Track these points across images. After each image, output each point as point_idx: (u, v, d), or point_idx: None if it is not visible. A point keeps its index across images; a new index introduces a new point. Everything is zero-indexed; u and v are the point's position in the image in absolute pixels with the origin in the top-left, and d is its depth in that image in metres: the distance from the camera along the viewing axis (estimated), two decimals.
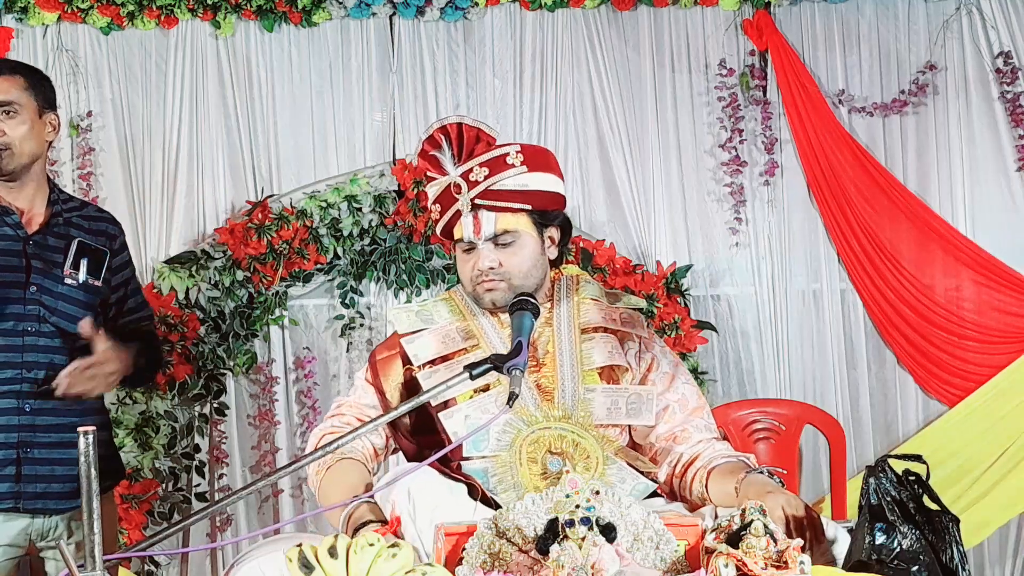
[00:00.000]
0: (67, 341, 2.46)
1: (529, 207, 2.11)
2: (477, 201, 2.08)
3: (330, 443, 1.75)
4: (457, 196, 2.09)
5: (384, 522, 1.84)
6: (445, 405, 2.06)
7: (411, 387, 2.14)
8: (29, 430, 2.40)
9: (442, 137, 2.12)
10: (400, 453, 2.24)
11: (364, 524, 1.84)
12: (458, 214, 2.10)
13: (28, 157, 2.45)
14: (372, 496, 1.91)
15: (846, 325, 4.11)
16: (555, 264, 2.22)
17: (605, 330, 2.15)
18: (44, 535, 2.44)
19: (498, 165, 2.09)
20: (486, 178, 2.08)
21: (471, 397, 2.05)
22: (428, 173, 2.16)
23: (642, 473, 2.03)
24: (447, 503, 1.80)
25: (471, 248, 2.11)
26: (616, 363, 2.11)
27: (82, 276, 2.47)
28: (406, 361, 2.16)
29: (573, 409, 2.02)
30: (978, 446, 3.92)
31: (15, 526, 2.41)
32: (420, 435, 2.15)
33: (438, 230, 2.17)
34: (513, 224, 2.10)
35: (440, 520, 1.71)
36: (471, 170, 2.09)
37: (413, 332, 2.16)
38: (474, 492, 1.89)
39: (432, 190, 2.15)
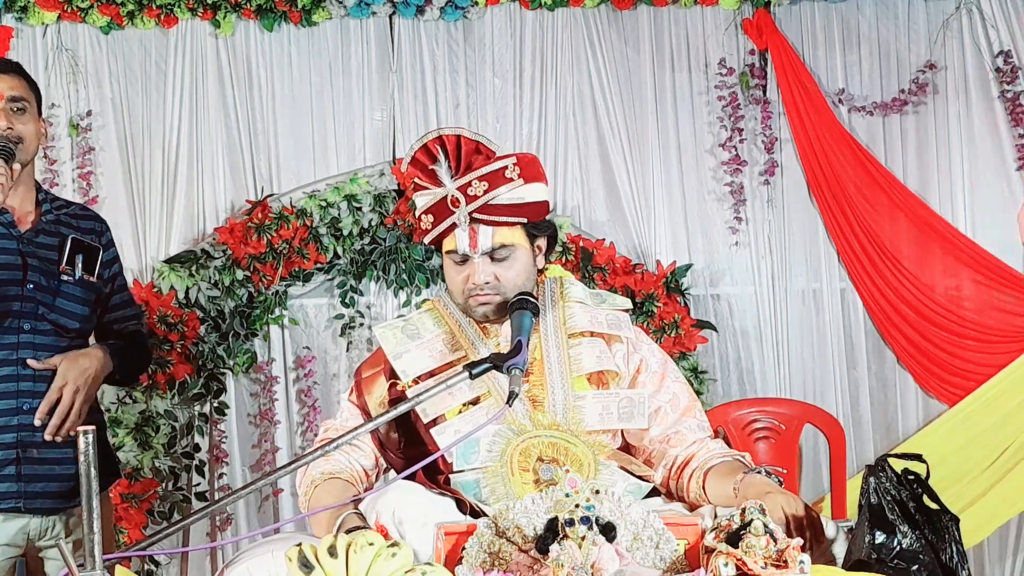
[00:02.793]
0: (64, 338, 2.47)
1: (525, 220, 2.10)
2: (475, 215, 2.05)
3: (323, 445, 1.75)
4: (453, 209, 2.05)
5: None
6: (435, 422, 2.04)
7: (396, 403, 2.06)
8: (28, 429, 2.40)
9: (439, 148, 2.08)
10: (391, 473, 2.23)
11: (354, 529, 1.80)
12: (452, 226, 2.07)
13: (32, 155, 2.48)
14: (357, 507, 1.90)
15: (846, 324, 4.11)
16: (539, 270, 2.20)
17: (592, 334, 2.13)
18: (42, 535, 2.44)
19: (497, 179, 2.06)
20: (485, 192, 2.05)
21: (460, 412, 2.03)
22: (418, 181, 2.12)
23: (636, 476, 2.03)
24: (434, 519, 1.77)
25: (464, 260, 2.09)
26: (605, 368, 2.09)
27: (78, 272, 2.48)
28: (389, 376, 2.14)
29: (564, 417, 2.01)
30: (978, 445, 3.92)
31: (13, 526, 2.41)
32: (411, 451, 2.12)
33: (427, 239, 2.13)
34: (509, 238, 2.08)
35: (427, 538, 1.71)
36: (469, 184, 2.05)
37: (400, 349, 2.12)
38: (462, 506, 1.88)
39: (423, 200, 2.11)
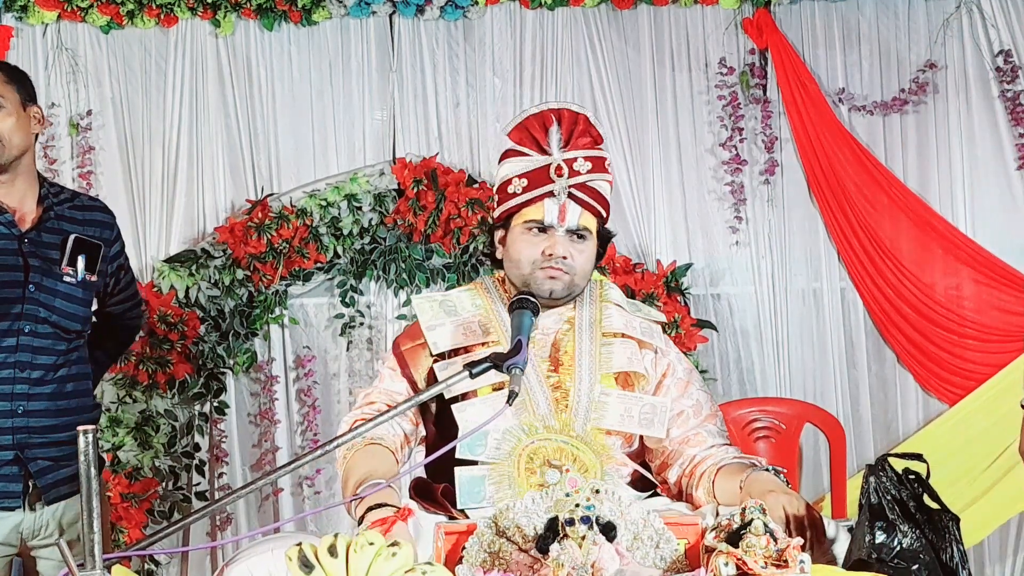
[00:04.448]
0: (63, 340, 2.45)
1: (604, 214, 2.16)
2: (573, 191, 2.09)
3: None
4: (555, 178, 2.10)
5: (397, 508, 1.80)
6: (464, 396, 2.06)
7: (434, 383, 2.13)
8: (24, 432, 2.39)
9: (554, 119, 2.13)
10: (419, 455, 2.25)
11: (378, 506, 1.80)
12: (543, 196, 2.10)
13: (18, 149, 2.43)
14: (383, 483, 1.88)
15: (846, 324, 4.11)
16: None
17: (624, 336, 2.16)
18: (35, 533, 2.44)
19: (599, 165, 2.13)
20: (588, 172, 2.11)
21: (490, 392, 2.05)
22: (515, 146, 2.15)
23: (643, 484, 2.04)
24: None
25: (543, 231, 2.11)
26: (634, 369, 2.12)
27: (80, 273, 2.46)
28: (432, 351, 2.16)
29: (587, 409, 2.03)
30: (978, 445, 3.91)
31: (7, 524, 2.40)
32: (440, 424, 2.15)
33: (512, 203, 2.14)
34: (589, 223, 2.13)
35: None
36: (576, 159, 2.11)
37: (435, 322, 2.16)
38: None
39: (517, 166, 2.14)
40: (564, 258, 2.10)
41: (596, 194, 2.13)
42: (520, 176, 2.13)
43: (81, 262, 2.46)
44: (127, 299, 2.72)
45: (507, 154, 2.17)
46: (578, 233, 2.11)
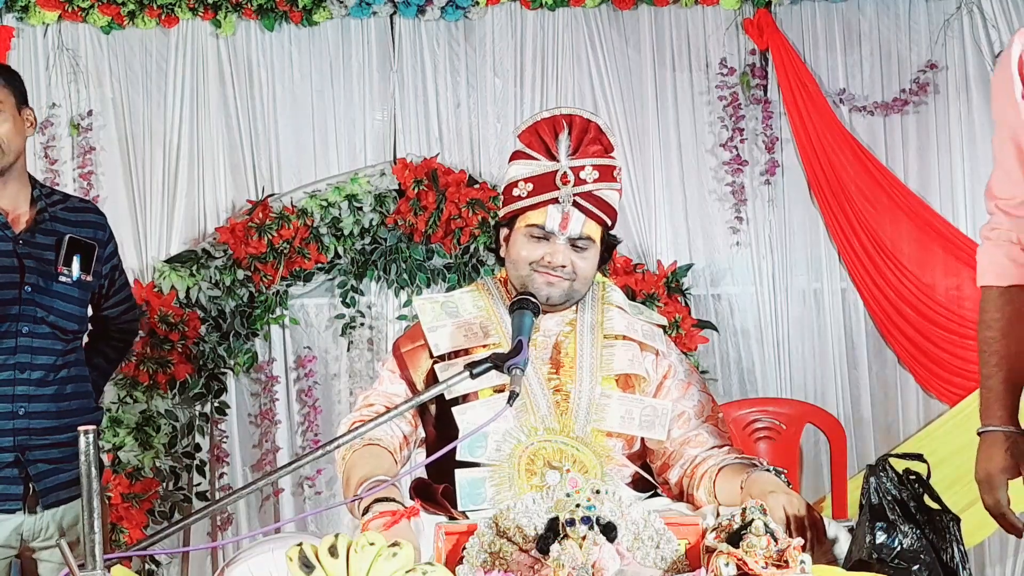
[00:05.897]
0: (61, 340, 2.45)
1: (609, 223, 2.15)
2: (578, 199, 2.09)
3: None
4: (560, 185, 2.09)
5: (401, 504, 1.80)
6: (465, 399, 2.06)
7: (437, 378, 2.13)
8: (24, 433, 2.39)
9: (565, 125, 2.12)
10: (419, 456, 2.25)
11: (385, 500, 1.79)
12: (547, 202, 2.09)
13: (15, 155, 2.42)
14: (386, 481, 1.88)
15: (847, 324, 4.11)
16: None
17: (626, 339, 2.16)
18: (35, 535, 2.43)
19: (607, 174, 2.12)
20: (595, 181, 2.10)
21: (491, 395, 2.05)
22: (525, 149, 2.14)
23: (643, 484, 2.04)
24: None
25: (544, 238, 2.10)
26: (635, 372, 2.12)
27: (76, 273, 2.46)
28: (432, 352, 2.16)
29: (587, 411, 2.03)
30: None
31: (7, 526, 2.40)
32: (440, 426, 2.15)
33: (515, 206, 2.13)
34: (593, 232, 2.12)
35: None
36: (583, 168, 2.10)
37: (437, 323, 2.15)
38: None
39: (525, 169, 2.13)
40: (563, 267, 2.10)
41: (602, 203, 2.11)
42: (526, 180, 2.12)
43: (76, 262, 2.47)
44: (122, 301, 2.72)
45: (516, 155, 2.16)
46: (580, 241, 2.11)
